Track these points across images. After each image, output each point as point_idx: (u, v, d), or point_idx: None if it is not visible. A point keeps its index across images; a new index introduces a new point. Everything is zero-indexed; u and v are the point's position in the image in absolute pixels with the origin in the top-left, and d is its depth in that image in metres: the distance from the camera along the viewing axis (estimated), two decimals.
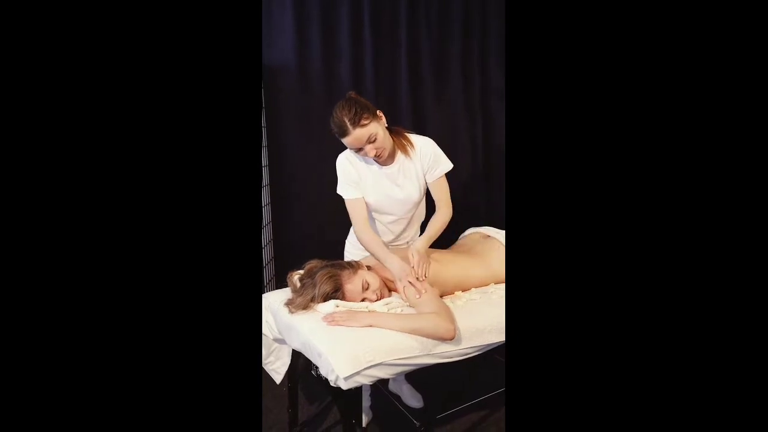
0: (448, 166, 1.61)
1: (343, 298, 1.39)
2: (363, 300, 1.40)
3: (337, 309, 1.34)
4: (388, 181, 1.59)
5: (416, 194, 1.63)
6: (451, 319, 1.29)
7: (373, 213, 1.69)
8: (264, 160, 2.28)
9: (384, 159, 1.54)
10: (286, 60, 2.25)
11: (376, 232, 1.70)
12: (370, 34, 2.30)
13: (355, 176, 1.59)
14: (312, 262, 1.50)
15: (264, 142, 2.28)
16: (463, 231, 1.90)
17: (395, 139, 1.57)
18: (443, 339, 1.27)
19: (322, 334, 1.25)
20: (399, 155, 1.58)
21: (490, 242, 1.71)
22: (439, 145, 2.48)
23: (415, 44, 2.38)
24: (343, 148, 1.56)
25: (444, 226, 1.58)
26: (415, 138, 1.61)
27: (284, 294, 1.52)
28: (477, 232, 1.81)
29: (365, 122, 1.43)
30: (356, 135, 1.43)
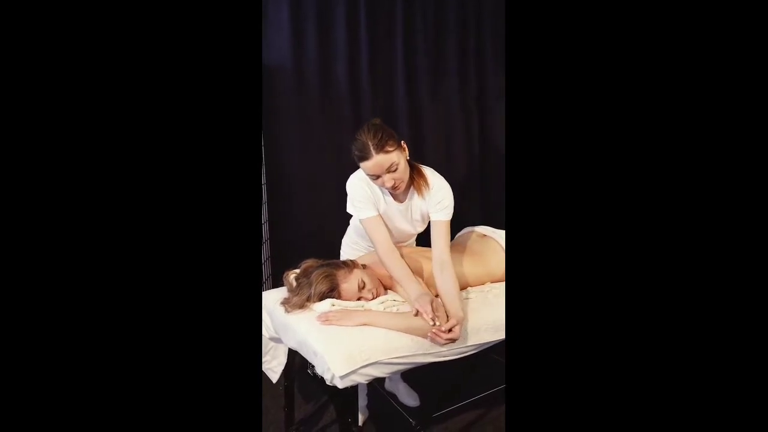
0: (449, 214, 1.50)
1: (339, 297, 1.40)
2: (359, 299, 1.40)
3: (333, 308, 1.34)
4: (399, 215, 1.57)
5: (422, 227, 1.65)
6: (445, 320, 1.29)
7: None
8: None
9: (399, 192, 1.48)
10: (283, 59, 2.25)
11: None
12: (367, 33, 2.30)
13: (371, 197, 1.50)
14: (308, 261, 1.50)
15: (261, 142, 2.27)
16: (459, 230, 1.90)
17: (414, 175, 1.51)
18: (432, 341, 1.27)
19: (318, 333, 1.25)
20: (412, 192, 1.53)
21: (486, 241, 1.71)
22: (436, 145, 2.51)
23: (412, 44, 2.38)
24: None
25: (457, 282, 1.41)
26: (431, 177, 1.53)
27: (280, 293, 1.52)
28: (473, 231, 1.82)
29: (390, 149, 1.37)
30: (378, 160, 1.36)
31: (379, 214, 1.51)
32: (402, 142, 1.44)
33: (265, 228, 2.34)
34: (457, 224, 1.92)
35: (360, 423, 1.73)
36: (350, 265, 1.45)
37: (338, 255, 1.84)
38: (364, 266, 1.48)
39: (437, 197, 1.49)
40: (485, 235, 1.75)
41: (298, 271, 1.49)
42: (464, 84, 2.48)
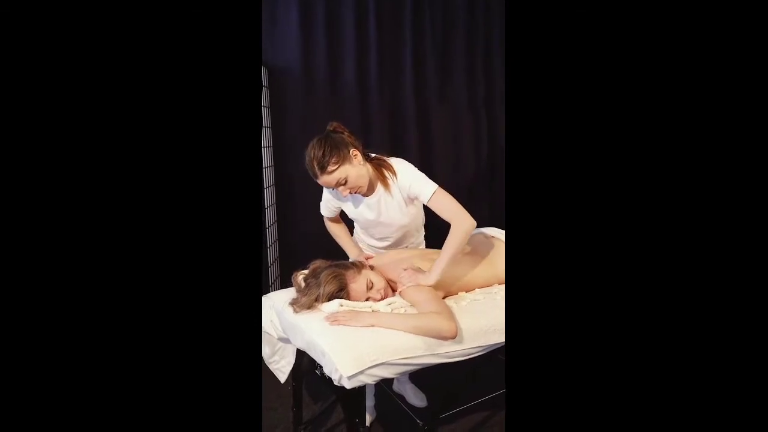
0: (432, 187, 1.46)
1: (347, 297, 1.40)
2: (367, 299, 1.41)
3: (341, 308, 1.35)
4: (369, 209, 1.59)
5: (401, 219, 1.61)
6: (453, 318, 1.30)
7: (362, 229, 1.72)
8: (269, 161, 2.29)
9: (363, 193, 1.51)
10: (291, 60, 2.26)
11: (374, 239, 1.74)
12: (375, 34, 2.30)
13: (336, 202, 1.62)
14: (316, 262, 1.50)
15: (269, 143, 2.29)
16: None
17: (375, 170, 1.51)
18: (444, 337, 1.27)
19: (326, 334, 1.26)
20: (379, 186, 1.54)
21: (493, 243, 1.71)
22: (443, 146, 2.51)
23: (420, 46, 2.38)
24: None
25: (462, 240, 1.41)
26: (396, 165, 1.52)
27: (289, 294, 1.53)
28: (481, 233, 1.82)
29: (332, 168, 1.40)
30: (324, 180, 1.43)
31: (331, 219, 1.71)
32: (353, 150, 1.43)
33: (273, 229, 2.35)
34: None
35: (367, 423, 1.73)
36: (358, 265, 1.46)
37: (346, 256, 1.85)
38: (372, 267, 1.49)
39: (405, 183, 1.48)
40: (493, 237, 1.75)
41: (306, 271, 1.50)
42: (472, 85, 2.48)
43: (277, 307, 1.52)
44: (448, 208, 1.44)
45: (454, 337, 1.28)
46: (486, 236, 1.78)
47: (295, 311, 1.40)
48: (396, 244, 1.74)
